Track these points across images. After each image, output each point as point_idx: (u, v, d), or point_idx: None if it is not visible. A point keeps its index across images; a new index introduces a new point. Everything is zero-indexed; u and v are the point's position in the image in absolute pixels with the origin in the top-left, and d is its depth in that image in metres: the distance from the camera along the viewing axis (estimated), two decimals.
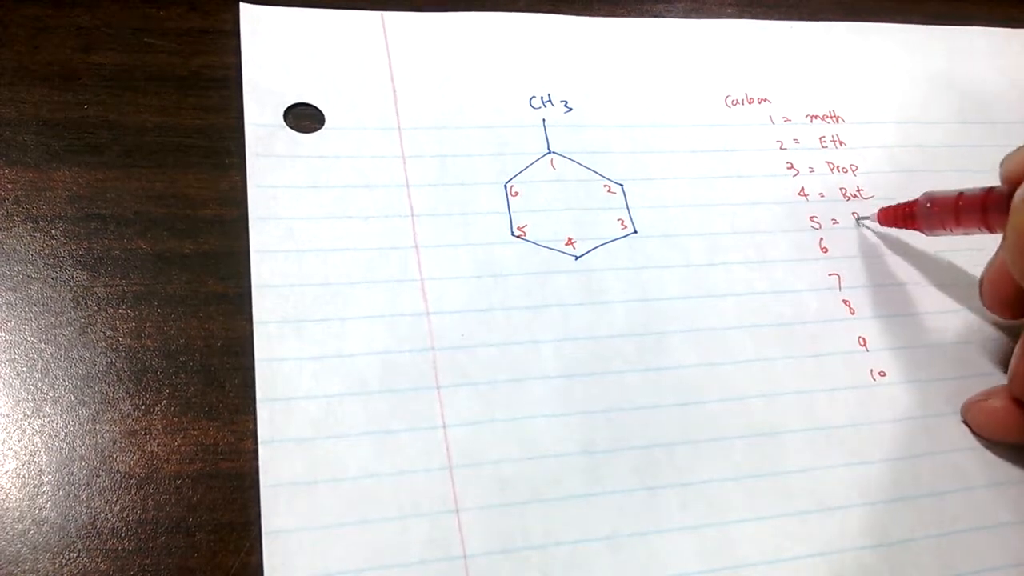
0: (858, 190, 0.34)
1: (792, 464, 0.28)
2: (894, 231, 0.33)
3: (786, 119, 0.35)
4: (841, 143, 0.35)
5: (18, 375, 0.25)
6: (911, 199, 0.31)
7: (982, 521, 0.28)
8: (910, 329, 0.31)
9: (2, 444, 0.24)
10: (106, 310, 0.27)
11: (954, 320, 0.32)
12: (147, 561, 0.23)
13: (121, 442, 0.25)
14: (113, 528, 0.24)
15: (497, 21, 0.34)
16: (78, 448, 0.25)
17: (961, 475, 0.29)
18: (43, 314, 0.26)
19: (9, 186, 0.28)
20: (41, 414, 0.25)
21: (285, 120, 0.30)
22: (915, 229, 0.31)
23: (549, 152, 0.32)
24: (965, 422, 0.30)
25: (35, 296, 0.26)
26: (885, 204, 0.33)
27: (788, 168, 0.34)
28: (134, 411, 0.25)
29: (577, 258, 0.30)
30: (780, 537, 0.27)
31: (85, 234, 0.28)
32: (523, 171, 0.31)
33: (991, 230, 0.28)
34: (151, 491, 0.24)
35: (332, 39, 0.32)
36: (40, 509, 0.24)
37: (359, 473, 0.25)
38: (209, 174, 0.29)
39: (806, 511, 0.27)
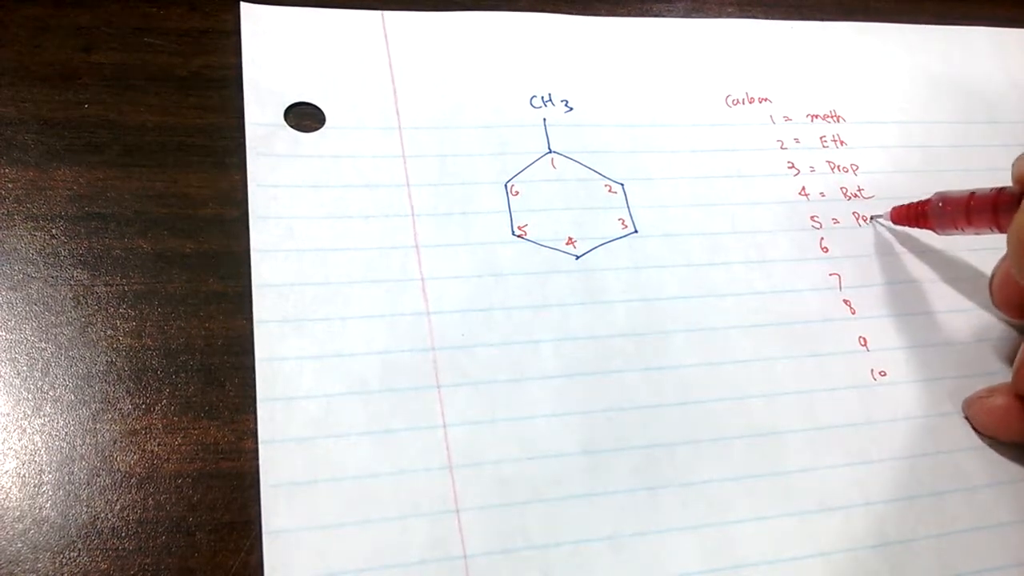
0: (859, 190, 0.34)
1: (792, 464, 0.28)
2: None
3: (787, 119, 0.35)
4: (842, 143, 0.35)
5: (18, 374, 0.25)
6: (923, 198, 0.31)
7: (982, 521, 0.28)
8: (910, 329, 0.31)
9: (2, 443, 0.24)
10: (106, 309, 0.27)
11: (954, 320, 0.32)
12: (147, 560, 0.23)
13: (121, 441, 0.25)
14: (113, 527, 0.24)
15: (497, 21, 0.34)
16: (78, 447, 0.25)
17: (961, 475, 0.29)
18: (43, 313, 0.26)
19: (9, 185, 0.28)
20: (41, 413, 0.25)
21: (285, 119, 0.30)
22: (927, 228, 0.31)
23: (550, 151, 0.32)
24: (967, 418, 0.30)
25: (35, 295, 0.26)
26: (885, 203, 0.33)
27: (789, 168, 0.34)
28: (134, 410, 0.25)
29: (577, 258, 0.30)
30: (780, 537, 0.27)
31: (85, 233, 0.28)
32: (524, 170, 0.31)
33: (1002, 230, 0.28)
34: (151, 490, 0.24)
35: (332, 39, 0.32)
36: (40, 508, 0.24)
37: (359, 473, 0.25)
38: (209, 173, 0.29)
39: (806, 511, 0.27)
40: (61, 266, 0.27)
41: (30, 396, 0.25)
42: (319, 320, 0.27)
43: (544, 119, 0.33)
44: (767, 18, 0.38)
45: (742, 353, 0.29)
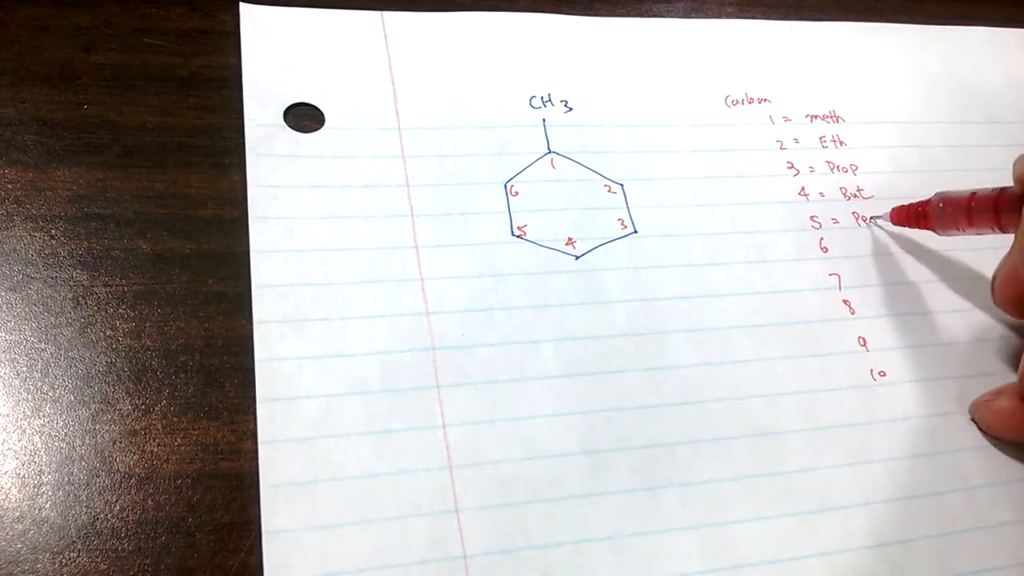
0: (858, 190, 0.34)
1: (792, 464, 0.28)
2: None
3: (786, 119, 0.35)
4: (841, 143, 0.35)
5: (18, 375, 0.25)
6: (923, 199, 0.31)
7: (982, 521, 0.28)
8: (910, 329, 0.31)
9: (2, 444, 0.24)
10: (106, 310, 0.27)
11: (955, 320, 0.32)
12: (147, 561, 0.23)
13: (121, 442, 0.25)
14: (113, 528, 0.24)
15: (497, 21, 0.34)
16: (78, 448, 0.24)
17: (961, 475, 0.29)
18: (43, 314, 0.26)
19: (9, 186, 0.28)
20: (41, 414, 0.25)
21: (285, 120, 0.30)
22: (928, 229, 0.31)
23: (549, 152, 0.32)
24: (973, 420, 0.30)
25: (35, 296, 0.26)
26: (885, 203, 0.33)
27: (788, 168, 0.34)
28: (134, 411, 0.25)
29: (577, 258, 0.30)
30: (780, 537, 0.26)
31: (85, 234, 0.28)
32: (523, 171, 0.31)
33: (1003, 230, 0.28)
34: (151, 491, 0.24)
35: (332, 39, 0.32)
36: (40, 509, 0.24)
37: (359, 473, 0.25)
38: (209, 174, 0.29)
39: (806, 511, 0.27)
40: (61, 267, 0.27)
41: (30, 396, 0.25)
42: (319, 320, 0.27)
43: (544, 119, 0.33)
44: (767, 18, 0.38)
45: (742, 353, 0.29)
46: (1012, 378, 0.31)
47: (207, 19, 0.32)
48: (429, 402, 0.27)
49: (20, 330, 0.26)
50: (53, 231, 0.28)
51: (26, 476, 0.24)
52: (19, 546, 0.23)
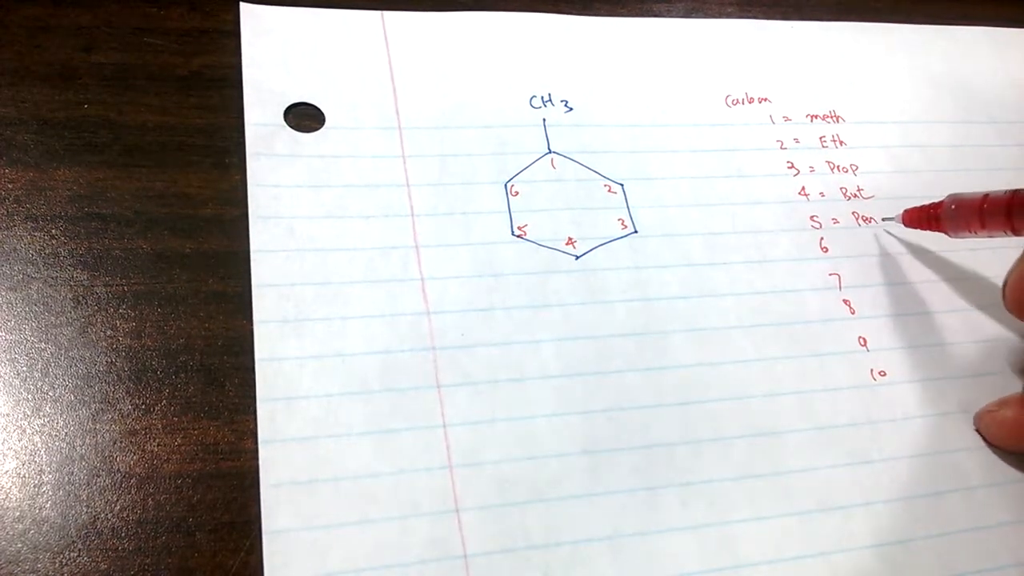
0: (858, 190, 0.34)
1: (792, 464, 0.28)
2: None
3: (786, 119, 0.35)
4: (841, 143, 0.35)
5: (18, 375, 0.25)
6: (935, 200, 0.31)
7: (982, 521, 0.28)
8: (910, 329, 0.31)
9: (2, 444, 0.24)
10: (106, 310, 0.27)
11: (955, 319, 0.32)
12: (147, 561, 0.23)
13: (121, 442, 0.25)
14: (113, 528, 0.24)
15: (497, 21, 0.34)
16: (78, 448, 0.24)
17: (961, 475, 0.29)
18: (43, 313, 0.26)
19: (9, 185, 0.28)
20: (41, 414, 0.25)
21: (285, 120, 0.30)
22: (939, 231, 0.31)
23: (549, 152, 0.32)
24: (978, 431, 0.30)
25: (35, 295, 0.26)
26: (885, 203, 0.33)
27: (788, 168, 0.34)
28: (134, 411, 0.25)
29: (577, 258, 0.30)
30: (781, 537, 0.27)
31: (85, 233, 0.28)
32: (523, 171, 0.31)
33: (1016, 233, 0.28)
34: (151, 491, 0.24)
35: (332, 39, 0.32)
36: (40, 509, 0.24)
37: (359, 472, 0.25)
38: (209, 173, 0.29)
39: (807, 511, 0.27)
40: (61, 266, 0.27)
41: (30, 396, 0.25)
42: (319, 320, 0.27)
43: (544, 119, 0.33)
44: (767, 18, 0.38)
45: (742, 353, 0.29)
46: (1012, 378, 0.31)
47: (207, 19, 0.32)
48: (429, 402, 0.27)
49: (20, 330, 0.26)
50: (53, 231, 0.28)
51: (26, 476, 0.24)
52: (19, 545, 0.23)
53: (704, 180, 0.33)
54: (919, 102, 0.37)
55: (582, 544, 0.25)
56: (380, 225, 0.29)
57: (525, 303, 0.29)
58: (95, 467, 0.24)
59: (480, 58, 0.33)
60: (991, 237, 0.29)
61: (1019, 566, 0.28)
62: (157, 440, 0.25)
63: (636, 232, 0.31)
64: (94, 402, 0.25)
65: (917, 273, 0.33)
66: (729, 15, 0.38)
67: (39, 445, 0.24)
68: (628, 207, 0.32)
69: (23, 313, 0.26)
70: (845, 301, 0.31)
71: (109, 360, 0.26)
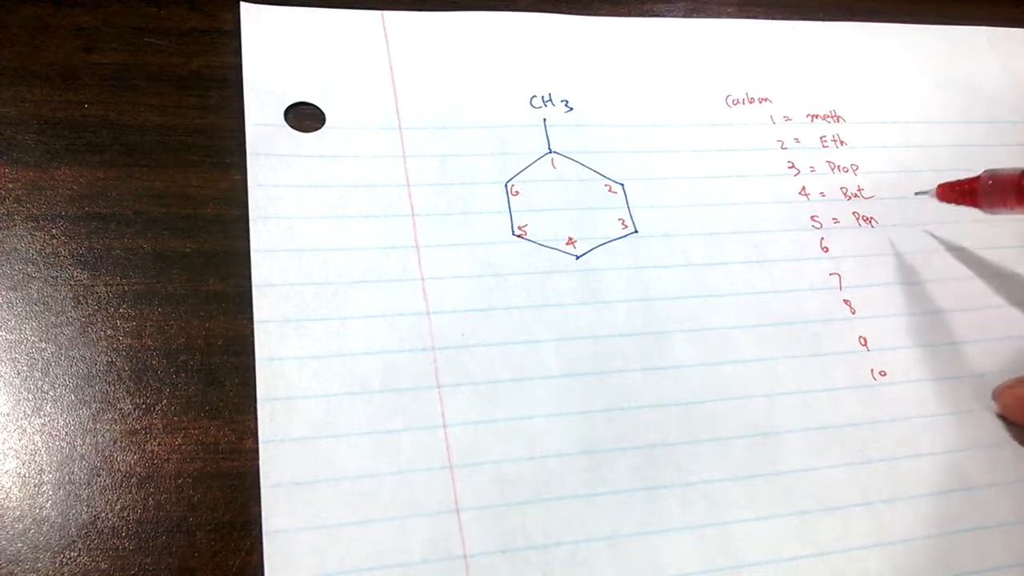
0: (859, 189, 0.34)
1: (792, 464, 0.28)
2: (904, 226, 0.32)
3: (787, 119, 0.35)
4: (842, 143, 0.35)
5: (19, 374, 0.25)
6: (972, 176, 0.30)
7: (982, 521, 0.28)
8: (911, 329, 0.31)
9: (3, 443, 0.24)
10: (107, 309, 0.27)
11: (955, 319, 0.32)
12: (148, 560, 0.23)
13: (122, 441, 0.25)
14: (114, 527, 0.24)
15: (497, 21, 0.34)
16: (79, 447, 0.25)
17: (962, 475, 0.29)
18: (44, 313, 0.26)
19: (10, 185, 0.28)
20: (42, 413, 0.25)
21: (286, 119, 0.30)
22: (974, 206, 0.30)
23: (550, 152, 0.32)
24: (995, 404, 0.30)
25: (36, 295, 0.26)
26: (885, 204, 0.33)
27: (789, 167, 0.34)
28: (135, 410, 0.25)
29: (578, 258, 0.30)
30: (780, 537, 0.27)
31: (86, 233, 0.28)
32: (524, 171, 0.31)
33: None
34: (152, 490, 0.24)
35: (333, 39, 0.32)
36: (41, 508, 0.24)
37: (359, 473, 0.25)
38: (210, 173, 0.29)
39: (806, 511, 0.27)
40: (61, 266, 0.27)
41: (30, 396, 0.25)
42: (319, 320, 0.27)
43: (544, 119, 0.33)
44: (767, 18, 0.38)
45: (742, 353, 0.29)
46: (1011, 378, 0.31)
47: (207, 19, 0.32)
48: (429, 402, 0.27)
49: (21, 329, 0.26)
50: (54, 230, 0.28)
51: (27, 475, 0.24)
52: (20, 545, 0.23)
53: (704, 180, 0.33)
54: (919, 102, 0.37)
55: (582, 544, 0.25)
56: (380, 225, 0.29)
57: (525, 303, 0.29)
58: (95, 467, 0.24)
59: (480, 58, 0.33)
60: None
61: (1020, 566, 0.28)
62: (157, 440, 0.25)
63: (636, 232, 0.31)
64: (94, 402, 0.25)
65: (918, 273, 0.33)
66: (729, 15, 0.38)
67: (39, 444, 0.24)
68: (628, 207, 0.32)
69: (23, 313, 0.26)
70: (845, 301, 0.31)
71: (109, 360, 0.26)
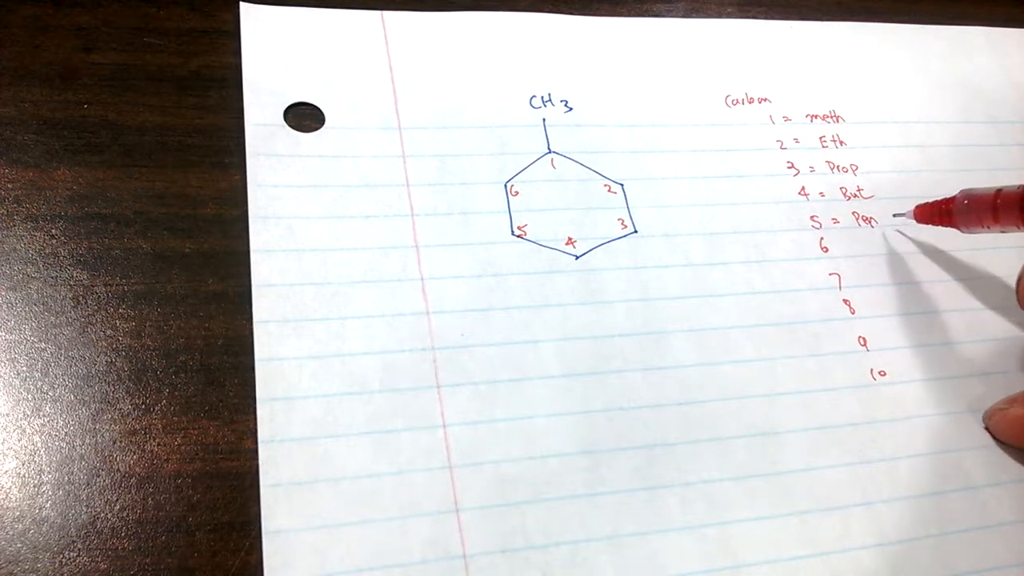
0: (858, 189, 0.34)
1: (792, 464, 0.28)
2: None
3: (786, 119, 0.35)
4: (841, 143, 0.35)
5: (18, 374, 0.25)
6: (947, 196, 0.31)
7: (983, 520, 0.28)
8: (911, 329, 0.31)
9: (2, 443, 0.24)
10: (106, 309, 0.27)
11: (955, 319, 0.32)
12: (147, 560, 0.23)
13: (121, 441, 0.25)
14: (113, 527, 0.24)
15: (497, 21, 0.34)
16: (78, 447, 0.24)
17: (962, 474, 0.29)
18: (43, 313, 0.26)
19: (9, 185, 0.28)
20: (41, 413, 0.25)
21: (285, 119, 0.30)
22: (951, 226, 0.31)
23: (549, 152, 0.32)
24: (987, 429, 0.30)
25: (35, 295, 0.26)
26: (885, 203, 0.33)
27: (788, 167, 0.34)
28: (134, 410, 0.25)
29: (577, 258, 0.30)
30: (780, 537, 0.27)
31: (85, 233, 0.28)
32: (523, 171, 0.31)
33: None
34: (151, 490, 0.24)
35: (332, 39, 0.32)
36: (40, 508, 0.24)
37: (359, 473, 0.25)
38: (209, 173, 0.29)
39: (806, 511, 0.27)
40: (61, 266, 0.27)
41: (30, 396, 0.25)
42: (319, 320, 0.27)
43: (544, 119, 0.33)
44: (767, 18, 0.38)
45: (742, 353, 0.29)
46: (1014, 378, 0.31)
47: (207, 19, 0.32)
48: (429, 402, 0.27)
49: (20, 329, 0.26)
50: (53, 230, 0.28)
51: (26, 475, 0.24)
52: (19, 545, 0.23)
53: (704, 180, 0.33)
54: (919, 102, 0.37)
55: (582, 544, 0.25)
56: (380, 225, 0.29)
57: (525, 303, 0.29)
58: (95, 467, 0.24)
59: (480, 58, 0.33)
60: (1004, 232, 0.29)
61: (1019, 566, 0.27)
62: (157, 440, 0.25)
63: (636, 232, 0.31)
64: (94, 402, 0.25)
65: (917, 273, 0.33)
66: (729, 15, 0.38)
67: (39, 445, 0.24)
68: (628, 207, 0.32)
69: (23, 313, 0.26)
70: (845, 301, 0.31)
71: (109, 360, 0.26)
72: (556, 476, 0.26)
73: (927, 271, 0.33)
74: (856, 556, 0.27)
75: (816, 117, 0.36)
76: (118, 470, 0.24)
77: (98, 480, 0.24)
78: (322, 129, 0.31)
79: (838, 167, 0.35)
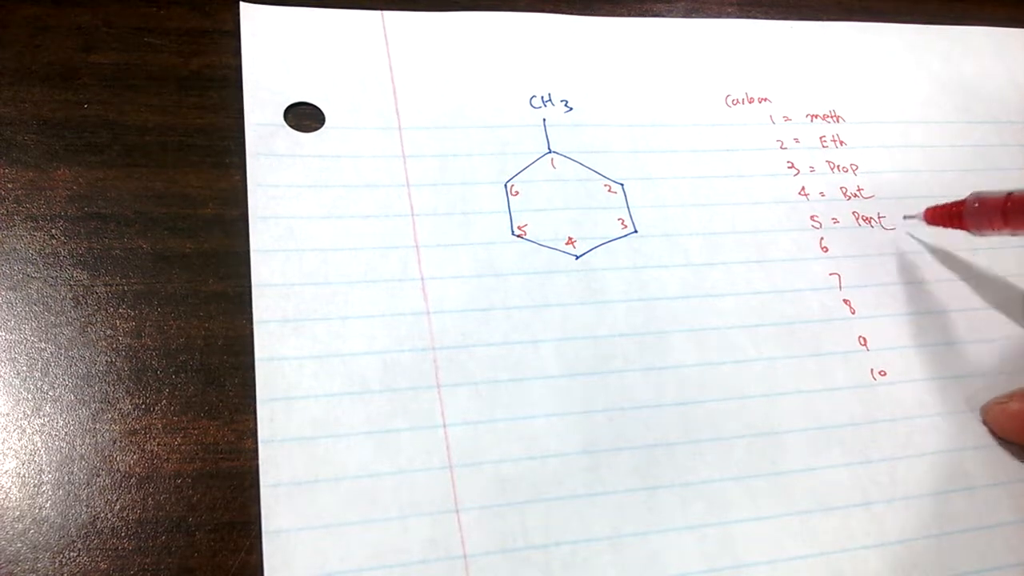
0: (859, 189, 0.34)
1: (792, 464, 0.28)
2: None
3: (786, 119, 0.35)
4: (841, 143, 0.35)
5: (18, 374, 0.25)
6: (958, 199, 0.31)
7: (983, 520, 0.28)
8: (910, 329, 0.31)
9: (2, 443, 0.24)
10: (106, 309, 0.27)
11: (955, 319, 0.32)
12: (147, 560, 0.23)
13: (121, 441, 0.25)
14: (113, 527, 0.24)
15: (497, 21, 0.34)
16: (78, 447, 0.24)
17: (962, 474, 0.29)
18: (43, 313, 0.26)
19: (9, 185, 0.28)
20: (41, 413, 0.25)
21: (285, 119, 0.30)
22: (962, 229, 0.31)
23: (549, 152, 0.32)
24: (985, 423, 0.30)
25: (35, 295, 0.26)
26: (885, 203, 0.33)
27: (789, 167, 0.34)
28: (134, 410, 0.25)
29: (577, 257, 0.30)
30: (781, 537, 0.26)
31: (85, 233, 0.28)
32: (523, 170, 0.31)
33: None
34: (151, 490, 0.24)
35: (332, 39, 0.32)
36: (40, 508, 0.24)
37: (359, 472, 0.25)
38: (209, 173, 0.29)
39: (807, 511, 0.27)
40: (61, 266, 0.27)
41: (30, 396, 0.25)
42: (319, 320, 0.27)
43: (544, 119, 0.33)
44: (767, 18, 0.38)
45: (742, 353, 0.29)
46: (1013, 378, 0.31)
47: (207, 19, 0.32)
48: (429, 402, 0.27)
49: (20, 329, 0.26)
50: (53, 230, 0.28)
51: (26, 475, 0.24)
52: (19, 545, 0.23)
53: (704, 180, 0.33)
54: (919, 102, 0.37)
55: (582, 544, 0.25)
56: (380, 225, 0.29)
57: (525, 303, 0.29)
58: (95, 467, 0.24)
59: (480, 58, 0.33)
60: (1014, 235, 0.29)
61: (1019, 566, 0.27)
62: (157, 440, 0.25)
63: (636, 232, 0.31)
64: (94, 402, 0.25)
65: (917, 273, 0.33)
66: (729, 15, 0.38)
67: (39, 445, 0.24)
68: (628, 207, 0.32)
69: (23, 313, 0.26)
70: (845, 301, 0.31)
71: (109, 360, 0.26)
72: (556, 476, 0.26)
73: (927, 271, 0.33)
74: (856, 556, 0.27)
75: (816, 117, 0.36)
76: (118, 470, 0.24)
77: (98, 480, 0.24)
78: (322, 129, 0.31)
79: (838, 167, 0.35)
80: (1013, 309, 0.33)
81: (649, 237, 0.31)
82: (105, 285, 0.27)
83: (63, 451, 0.24)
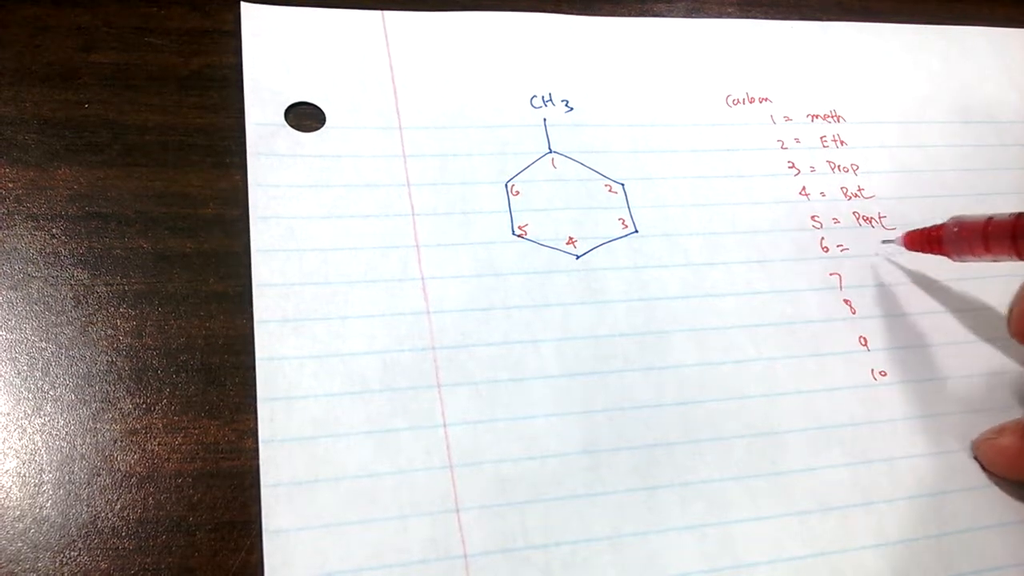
0: (859, 189, 0.34)
1: (792, 464, 0.28)
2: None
3: (787, 119, 0.35)
4: (842, 143, 0.35)
5: (19, 374, 0.25)
6: (937, 223, 0.30)
7: (983, 520, 0.28)
8: (911, 329, 0.31)
9: (3, 443, 0.24)
10: (107, 309, 0.27)
11: (955, 319, 0.32)
12: (148, 560, 0.23)
13: (122, 441, 0.25)
14: (114, 527, 0.24)
15: (498, 21, 0.34)
16: (79, 447, 0.25)
17: (961, 474, 0.29)
18: (44, 313, 0.26)
19: (10, 185, 0.28)
20: (42, 413, 0.25)
21: (286, 119, 0.30)
22: (942, 254, 0.30)
23: (550, 151, 0.32)
24: (976, 459, 0.29)
25: (36, 295, 0.26)
26: (885, 203, 0.33)
27: (789, 167, 0.34)
28: (135, 410, 0.25)
29: (578, 257, 0.30)
30: (781, 537, 0.27)
31: (86, 233, 0.28)
32: (524, 170, 0.31)
33: (1021, 257, 0.27)
34: (152, 490, 0.24)
35: (333, 38, 0.32)
36: (41, 508, 0.24)
37: (359, 472, 0.25)
38: (210, 173, 0.29)
39: (807, 511, 0.27)
40: (61, 266, 0.27)
41: (30, 396, 0.25)
42: (319, 320, 0.27)
43: (544, 119, 0.33)
44: (767, 18, 0.38)
45: (742, 353, 0.29)
46: (1013, 377, 0.31)
47: (208, 18, 0.32)
48: (429, 401, 0.27)
49: (21, 329, 0.26)
50: (54, 230, 0.28)
51: (27, 475, 0.24)
52: (20, 544, 0.23)
53: (704, 180, 0.33)
54: (919, 102, 0.37)
55: (582, 544, 0.25)
56: (380, 225, 0.29)
57: (525, 303, 0.29)
58: (95, 466, 0.24)
59: (480, 58, 0.33)
60: (995, 261, 0.28)
61: (1019, 566, 0.27)
62: (157, 439, 0.25)
63: (636, 232, 0.31)
64: (95, 401, 0.25)
65: (918, 273, 0.33)
66: (729, 15, 0.38)
67: (39, 444, 0.24)
68: (628, 207, 0.32)
69: (24, 312, 0.26)
70: (845, 301, 0.31)
71: (110, 359, 0.26)
72: (556, 476, 0.26)
73: (928, 271, 0.33)
74: (856, 556, 0.27)
75: (817, 117, 0.36)
76: (119, 469, 0.24)
77: (99, 479, 0.24)
78: (323, 129, 0.31)
79: (839, 167, 0.35)
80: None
81: (649, 237, 0.31)
82: (106, 285, 0.27)
83: (64, 450, 0.24)
